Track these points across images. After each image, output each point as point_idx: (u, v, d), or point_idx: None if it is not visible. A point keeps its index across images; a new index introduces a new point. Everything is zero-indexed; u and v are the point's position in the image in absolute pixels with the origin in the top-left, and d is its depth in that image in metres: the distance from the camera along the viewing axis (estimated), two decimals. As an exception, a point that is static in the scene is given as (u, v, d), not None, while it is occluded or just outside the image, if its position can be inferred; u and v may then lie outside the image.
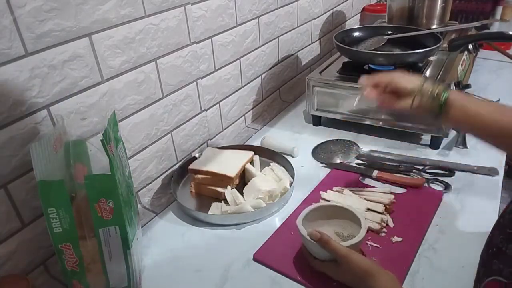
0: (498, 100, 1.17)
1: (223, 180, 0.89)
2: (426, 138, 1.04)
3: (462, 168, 0.93)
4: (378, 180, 0.92)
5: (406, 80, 0.72)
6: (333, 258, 0.65)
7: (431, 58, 1.15)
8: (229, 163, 0.91)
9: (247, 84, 1.14)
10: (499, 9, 1.74)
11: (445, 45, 1.12)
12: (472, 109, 0.65)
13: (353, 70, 1.12)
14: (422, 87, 0.69)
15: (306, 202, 0.87)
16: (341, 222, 0.75)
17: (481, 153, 0.98)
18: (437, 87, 0.68)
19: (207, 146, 1.04)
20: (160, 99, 0.85)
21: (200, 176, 0.91)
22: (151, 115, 0.84)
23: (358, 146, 1.04)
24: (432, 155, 1.00)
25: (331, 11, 1.53)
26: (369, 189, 0.88)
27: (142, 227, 0.83)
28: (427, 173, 0.93)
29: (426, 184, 0.89)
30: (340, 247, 0.64)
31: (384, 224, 0.78)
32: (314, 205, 0.76)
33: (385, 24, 1.42)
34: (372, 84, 0.74)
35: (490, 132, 0.64)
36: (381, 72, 0.75)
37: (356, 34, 1.24)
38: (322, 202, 0.83)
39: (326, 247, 0.65)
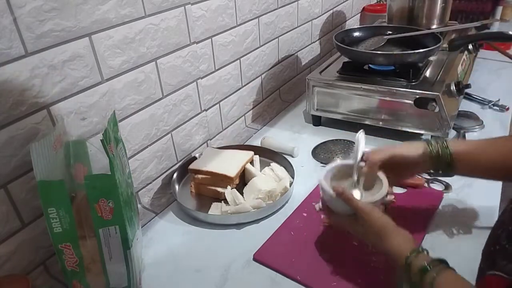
0: (498, 100, 1.17)
1: (223, 180, 0.89)
2: (426, 138, 1.04)
3: (462, 168, 0.92)
4: (378, 180, 0.92)
5: (408, 149, 0.73)
6: (352, 213, 0.66)
7: (431, 58, 1.15)
8: (229, 163, 0.91)
9: (247, 84, 1.14)
10: (499, 9, 1.74)
11: (445, 45, 1.12)
12: (471, 157, 0.70)
13: (353, 70, 1.12)
14: (431, 150, 0.71)
15: (306, 202, 0.87)
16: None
17: (481, 153, 0.98)
18: (440, 146, 0.70)
19: (207, 146, 1.04)
20: (160, 99, 0.85)
21: (200, 176, 0.91)
22: (151, 115, 0.84)
23: (358, 146, 1.04)
24: (432, 155, 1.00)
25: (331, 11, 1.53)
26: (369, 189, 0.88)
27: (142, 227, 0.83)
28: (427, 173, 0.93)
29: (426, 184, 0.89)
30: (360, 204, 0.65)
31: (384, 224, 0.78)
32: (336, 164, 0.75)
33: (385, 24, 1.42)
34: (374, 166, 0.72)
35: (485, 169, 0.70)
36: (374, 150, 0.74)
37: (356, 34, 1.24)
38: (343, 161, 0.78)
39: (348, 202, 0.65)
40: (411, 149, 0.73)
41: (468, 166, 0.70)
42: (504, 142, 0.70)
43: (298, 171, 0.94)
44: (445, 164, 0.70)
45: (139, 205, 0.86)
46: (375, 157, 0.72)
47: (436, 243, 0.74)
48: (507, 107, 1.15)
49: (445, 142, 0.71)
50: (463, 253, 0.72)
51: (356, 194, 0.72)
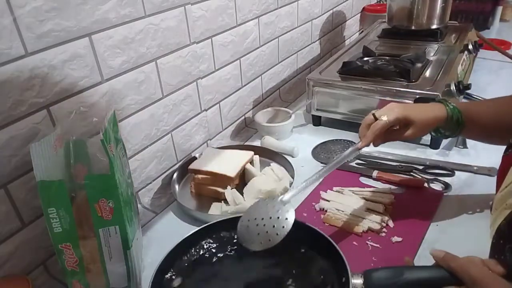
0: (498, 100, 1.17)
1: (223, 180, 0.89)
2: (426, 138, 1.04)
3: (462, 168, 0.93)
4: (378, 180, 0.92)
5: (425, 111, 0.72)
6: None
7: (431, 58, 1.15)
8: (229, 163, 0.91)
9: (247, 84, 1.14)
10: (499, 9, 1.74)
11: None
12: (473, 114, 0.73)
13: (353, 70, 1.12)
14: (449, 110, 0.72)
15: (306, 202, 0.87)
16: None
17: (481, 153, 0.98)
18: (451, 107, 0.72)
19: (207, 146, 1.04)
20: (160, 99, 0.85)
21: (200, 176, 0.91)
22: (151, 115, 0.84)
23: (358, 146, 1.04)
24: (432, 155, 1.00)
25: (331, 11, 1.53)
26: (369, 189, 0.88)
27: (142, 227, 0.83)
28: (427, 173, 0.93)
29: (426, 184, 0.89)
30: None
31: (384, 224, 0.78)
32: None
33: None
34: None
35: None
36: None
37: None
38: None
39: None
40: (428, 112, 0.71)
41: (475, 124, 0.72)
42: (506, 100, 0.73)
43: (298, 171, 0.94)
44: (455, 124, 0.71)
45: (139, 205, 0.86)
46: (390, 117, 0.68)
47: (436, 243, 0.74)
48: (507, 107, 1.15)
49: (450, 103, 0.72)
50: (463, 254, 0.72)
51: None
